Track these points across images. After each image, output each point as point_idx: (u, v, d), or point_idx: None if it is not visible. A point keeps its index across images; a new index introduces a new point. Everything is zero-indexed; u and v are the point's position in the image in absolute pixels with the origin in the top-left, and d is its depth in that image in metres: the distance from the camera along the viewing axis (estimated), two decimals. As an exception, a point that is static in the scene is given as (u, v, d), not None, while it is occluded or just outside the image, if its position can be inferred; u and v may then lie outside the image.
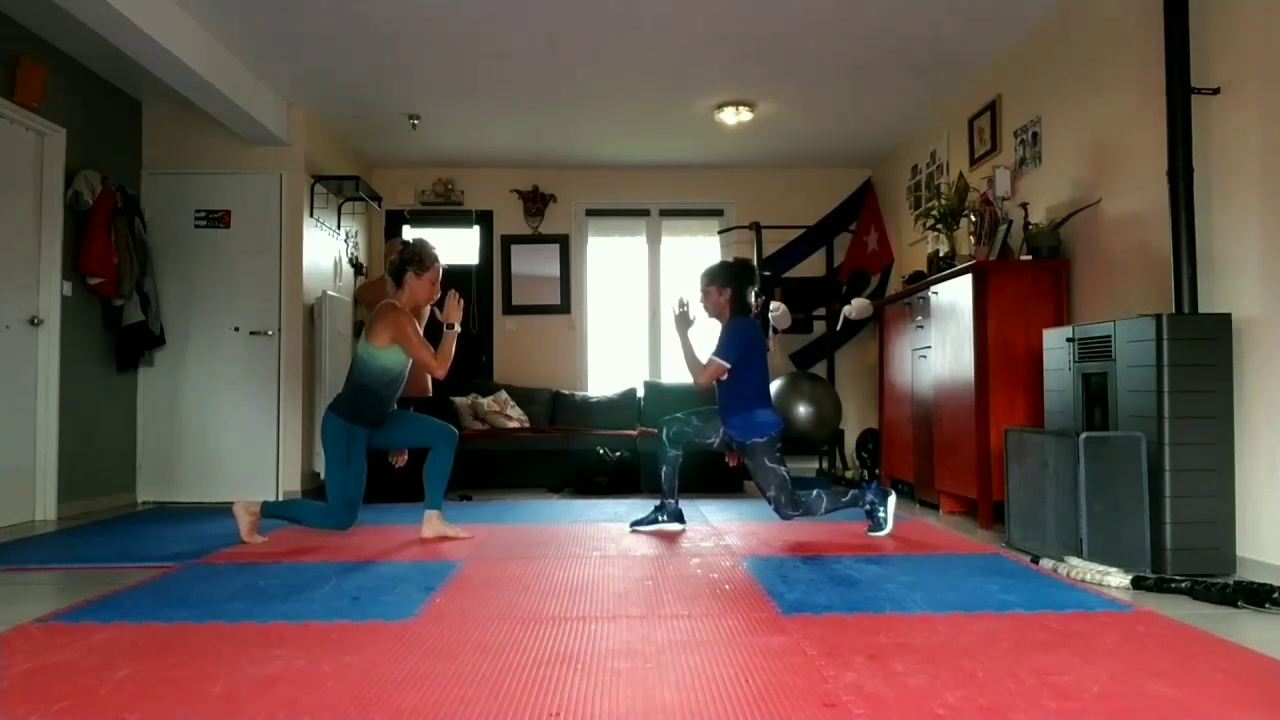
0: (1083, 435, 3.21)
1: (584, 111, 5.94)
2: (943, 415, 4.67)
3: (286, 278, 5.67)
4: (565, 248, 7.34)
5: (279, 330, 5.66)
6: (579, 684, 1.91)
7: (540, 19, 4.48)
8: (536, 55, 4.96)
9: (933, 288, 4.83)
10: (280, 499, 5.44)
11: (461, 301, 3.85)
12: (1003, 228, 4.49)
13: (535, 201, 7.27)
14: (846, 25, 4.57)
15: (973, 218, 4.63)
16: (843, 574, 3.07)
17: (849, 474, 6.51)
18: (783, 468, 3.85)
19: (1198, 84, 3.28)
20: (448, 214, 7.26)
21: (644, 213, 7.47)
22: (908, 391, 5.25)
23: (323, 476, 3.95)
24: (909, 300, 5.24)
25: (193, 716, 1.73)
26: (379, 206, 7.05)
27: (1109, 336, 3.38)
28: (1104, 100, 3.97)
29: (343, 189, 6.19)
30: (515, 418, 6.53)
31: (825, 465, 6.71)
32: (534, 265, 7.33)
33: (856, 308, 6.11)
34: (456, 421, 6.17)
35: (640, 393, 6.98)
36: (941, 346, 4.69)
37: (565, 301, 7.34)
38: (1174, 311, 3.24)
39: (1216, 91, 3.26)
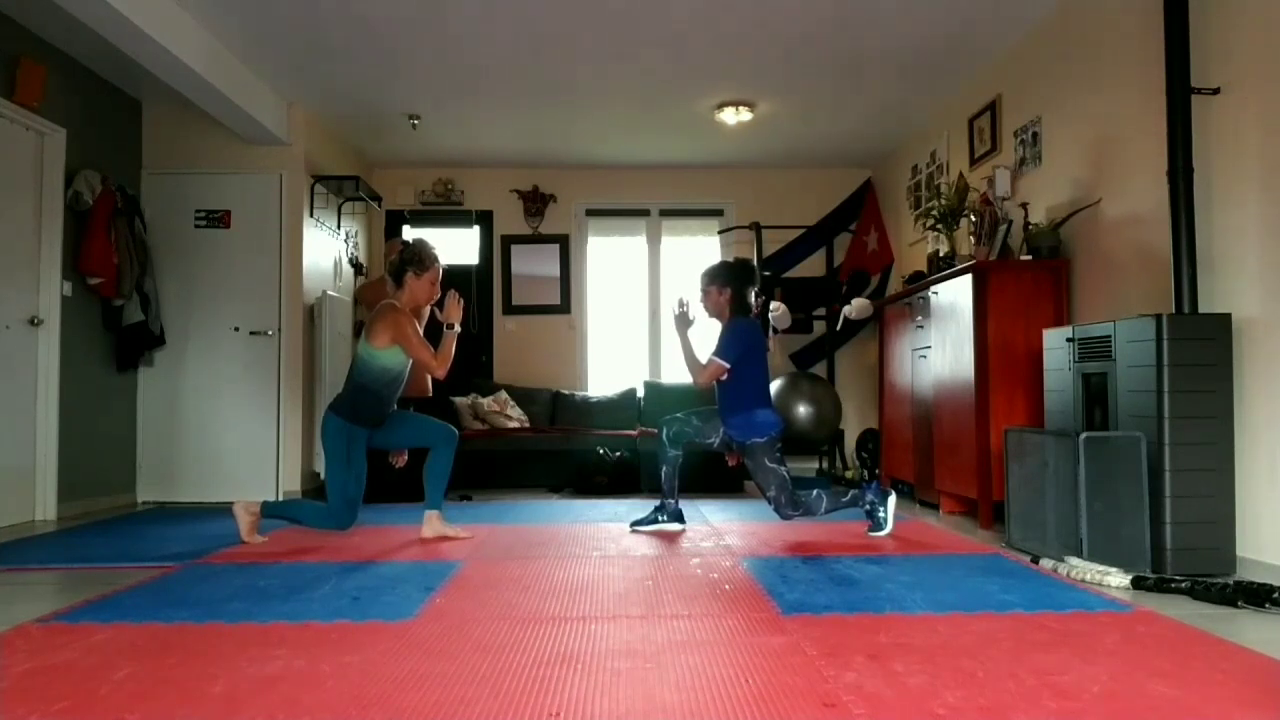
0: (1083, 435, 3.21)
1: (584, 111, 5.94)
2: (943, 415, 4.67)
3: (286, 278, 5.67)
4: (565, 248, 7.34)
5: (279, 330, 5.66)
6: (579, 684, 1.91)
7: (540, 19, 4.48)
8: (537, 55, 4.96)
9: (933, 288, 4.83)
10: (280, 499, 5.44)
11: (461, 301, 3.85)
12: (1003, 228, 4.49)
13: (535, 201, 7.27)
14: (847, 25, 4.57)
15: (973, 218, 4.63)
16: (843, 574, 3.07)
17: (849, 474, 6.51)
18: (783, 468, 3.85)
19: (1198, 84, 3.28)
20: (448, 214, 7.26)
21: (644, 213, 7.47)
22: (908, 391, 5.25)
23: (323, 476, 3.95)
24: (909, 300, 5.24)
25: (193, 716, 1.73)
26: (379, 206, 7.05)
27: (1109, 336, 3.38)
28: (1104, 100, 3.97)
29: (343, 189, 6.19)
30: (515, 418, 6.53)
31: (825, 465, 6.71)
32: (534, 265, 7.34)
33: (856, 308, 6.11)
34: (456, 421, 6.17)
35: (640, 393, 6.98)
36: (941, 346, 4.69)
37: (565, 301, 7.34)
38: (1174, 311, 3.24)
39: (1216, 91, 3.26)
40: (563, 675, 1.97)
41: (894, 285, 6.47)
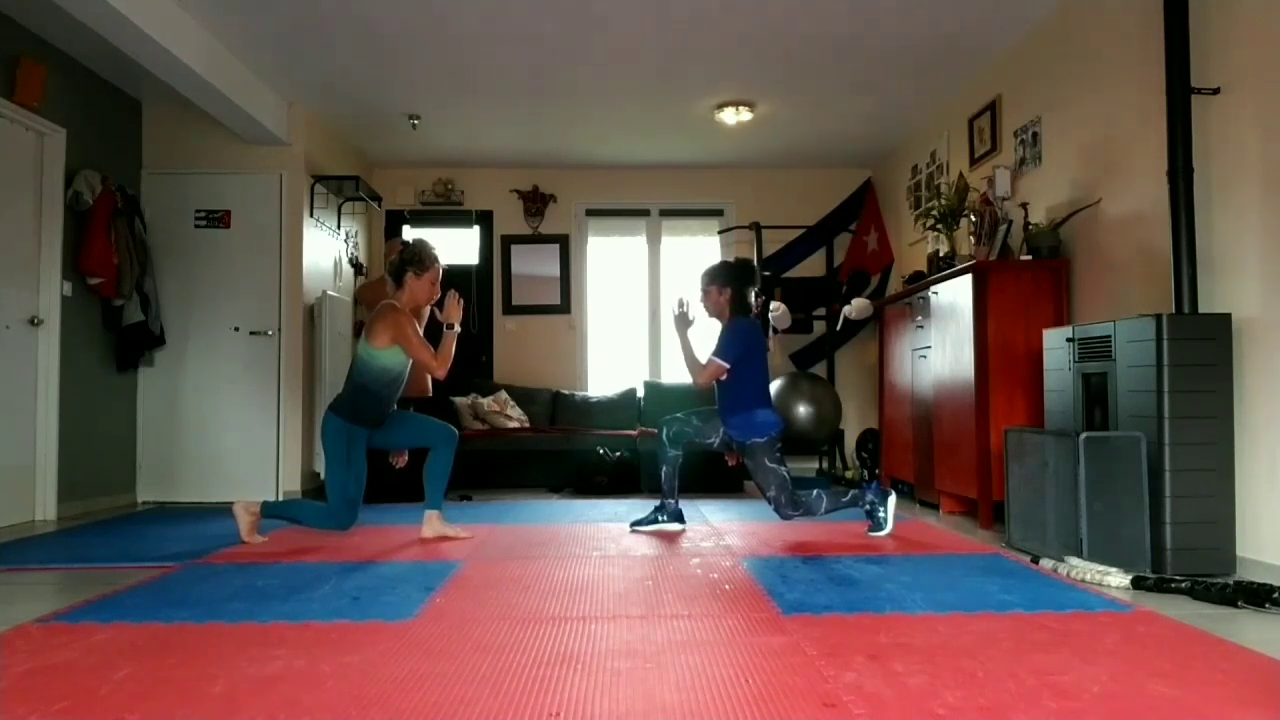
0: (1083, 435, 3.21)
1: (584, 111, 5.94)
2: (943, 415, 4.67)
3: (286, 278, 5.67)
4: (565, 248, 7.34)
5: (279, 330, 5.66)
6: (579, 684, 1.91)
7: (540, 19, 4.48)
8: (536, 55, 4.96)
9: (933, 288, 4.83)
10: (280, 499, 5.44)
11: (461, 301, 3.85)
12: (1003, 228, 4.49)
13: (535, 201, 7.27)
14: (846, 25, 4.57)
15: (973, 218, 4.63)
16: (843, 574, 3.07)
17: (849, 474, 6.51)
18: (783, 468, 3.85)
19: (1198, 84, 3.28)
20: (448, 214, 7.26)
21: (644, 213, 7.47)
22: (908, 391, 5.25)
23: (323, 476, 3.95)
24: (909, 300, 5.24)
25: (193, 716, 1.73)
26: (379, 206, 7.05)
27: (1109, 336, 3.38)
28: (1104, 100, 3.97)
29: (343, 189, 6.19)
30: (515, 418, 6.53)
31: (825, 465, 6.71)
32: (534, 265, 7.34)
33: (856, 308, 6.11)
34: (456, 421, 6.17)
35: (640, 393, 6.98)
36: (941, 346, 4.69)
37: (565, 301, 7.34)
38: (1174, 311, 3.24)
39: (1216, 91, 3.26)
40: (563, 675, 1.97)
41: (894, 285, 6.47)
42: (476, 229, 7.32)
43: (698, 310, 4.15)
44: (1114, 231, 3.90)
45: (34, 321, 4.70)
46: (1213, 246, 3.29)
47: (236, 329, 5.67)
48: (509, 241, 7.32)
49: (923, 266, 5.41)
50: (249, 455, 5.63)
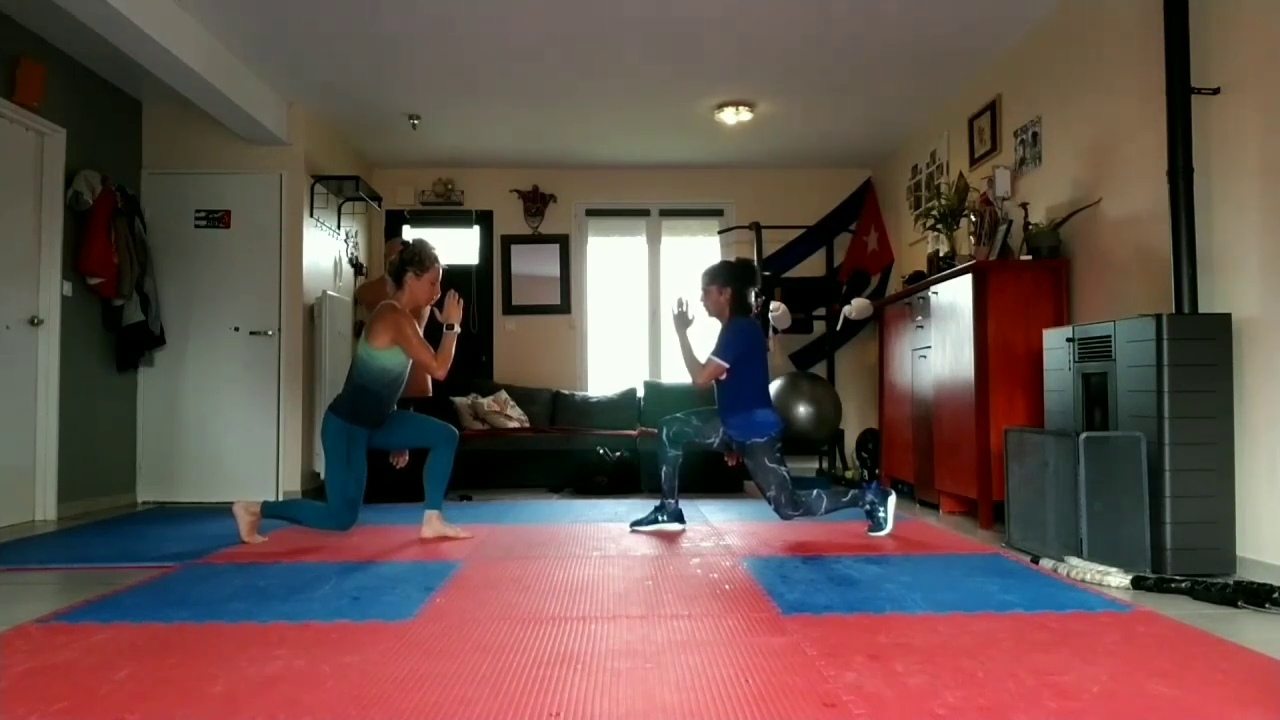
0: (1083, 435, 3.21)
1: (584, 111, 5.94)
2: (943, 415, 4.67)
3: (286, 278, 5.67)
4: (565, 248, 7.34)
5: (279, 330, 5.66)
6: (579, 684, 1.91)
7: (540, 19, 4.48)
8: (536, 55, 4.96)
9: (933, 288, 4.83)
10: (280, 499, 5.44)
11: (461, 302, 3.85)
12: (1003, 228, 4.49)
13: (535, 201, 7.27)
14: (846, 25, 4.57)
15: (973, 218, 4.63)
16: (843, 574, 3.07)
17: (849, 474, 6.51)
18: (783, 468, 3.85)
19: (1198, 84, 3.28)
20: (448, 214, 7.26)
21: (644, 213, 7.47)
22: (908, 391, 5.25)
23: (323, 477, 3.95)
24: (909, 300, 5.24)
25: (193, 716, 1.73)
26: (379, 206, 7.05)
27: (1109, 336, 3.38)
28: (1104, 100, 3.97)
29: (343, 189, 6.19)
30: (515, 418, 6.53)
31: (825, 465, 6.71)
32: (534, 265, 7.34)
33: (856, 308, 6.11)
34: (456, 421, 6.17)
35: (640, 393, 6.98)
36: (941, 346, 4.69)
37: (565, 301, 7.34)
38: (1174, 311, 3.24)
39: (1216, 91, 3.26)
40: (563, 675, 1.97)
41: (894, 285, 6.47)
42: (476, 229, 7.32)
43: (698, 310, 4.15)
44: (1114, 231, 3.90)
45: (34, 321, 4.70)
46: (1212, 246, 3.29)
47: (236, 329, 5.67)
48: (509, 241, 7.32)
49: (923, 266, 5.41)
50: (249, 455, 5.63)
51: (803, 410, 5.96)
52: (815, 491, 3.89)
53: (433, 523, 3.88)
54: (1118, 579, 2.88)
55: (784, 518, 3.89)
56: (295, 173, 5.72)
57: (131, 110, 5.57)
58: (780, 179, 7.29)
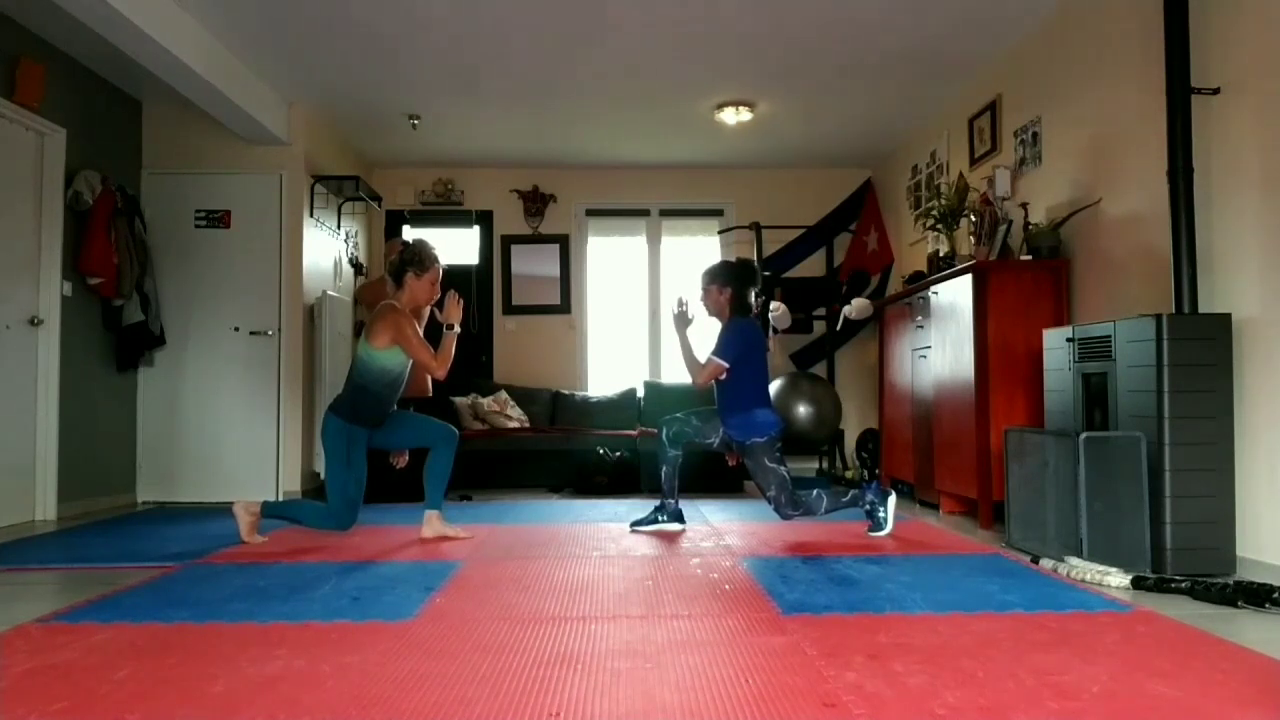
0: (1083, 435, 3.21)
1: (584, 111, 5.94)
2: (943, 415, 4.67)
3: (286, 278, 5.67)
4: (565, 248, 7.34)
5: (279, 330, 5.66)
6: (579, 684, 1.91)
7: (540, 19, 4.48)
8: (537, 55, 4.96)
9: (933, 288, 4.83)
10: (280, 499, 5.44)
11: (461, 302, 3.85)
12: (1003, 228, 4.49)
13: (535, 201, 7.27)
14: (846, 25, 4.57)
15: (973, 218, 4.63)
16: (843, 574, 3.07)
17: (849, 474, 6.51)
18: (783, 468, 3.85)
19: (1198, 84, 3.28)
20: (448, 214, 7.26)
21: (644, 213, 7.47)
22: (908, 391, 5.25)
23: (323, 477, 3.95)
24: (909, 300, 5.24)
25: (193, 716, 1.73)
26: (379, 206, 7.05)
27: (1109, 336, 3.38)
28: (1104, 100, 3.97)
29: (343, 189, 6.19)
30: (515, 418, 6.53)
31: (825, 465, 6.71)
32: (534, 265, 7.33)
33: (856, 308, 6.11)
34: (456, 421, 6.17)
35: (640, 393, 6.98)
36: (941, 346, 4.69)
37: (565, 301, 7.34)
38: (1174, 311, 3.24)
39: (1216, 91, 3.26)
40: (563, 675, 1.97)
41: (894, 285, 6.47)
42: (476, 229, 7.32)
43: (697, 310, 4.15)
44: (1114, 231, 3.90)
45: (34, 321, 4.70)
46: (1212, 246, 3.29)
47: (236, 329, 5.67)
48: (509, 241, 7.32)
49: (923, 266, 5.41)
50: (249, 455, 5.63)
51: (803, 410, 5.97)
52: (815, 491, 3.89)
53: (433, 523, 3.88)
54: (1118, 579, 2.88)
55: (784, 518, 3.89)
56: (295, 173, 5.72)
57: (131, 110, 5.57)
58: (780, 179, 7.29)
